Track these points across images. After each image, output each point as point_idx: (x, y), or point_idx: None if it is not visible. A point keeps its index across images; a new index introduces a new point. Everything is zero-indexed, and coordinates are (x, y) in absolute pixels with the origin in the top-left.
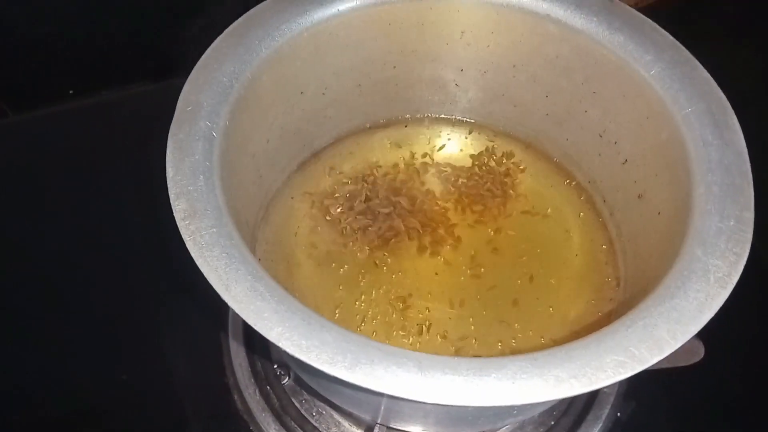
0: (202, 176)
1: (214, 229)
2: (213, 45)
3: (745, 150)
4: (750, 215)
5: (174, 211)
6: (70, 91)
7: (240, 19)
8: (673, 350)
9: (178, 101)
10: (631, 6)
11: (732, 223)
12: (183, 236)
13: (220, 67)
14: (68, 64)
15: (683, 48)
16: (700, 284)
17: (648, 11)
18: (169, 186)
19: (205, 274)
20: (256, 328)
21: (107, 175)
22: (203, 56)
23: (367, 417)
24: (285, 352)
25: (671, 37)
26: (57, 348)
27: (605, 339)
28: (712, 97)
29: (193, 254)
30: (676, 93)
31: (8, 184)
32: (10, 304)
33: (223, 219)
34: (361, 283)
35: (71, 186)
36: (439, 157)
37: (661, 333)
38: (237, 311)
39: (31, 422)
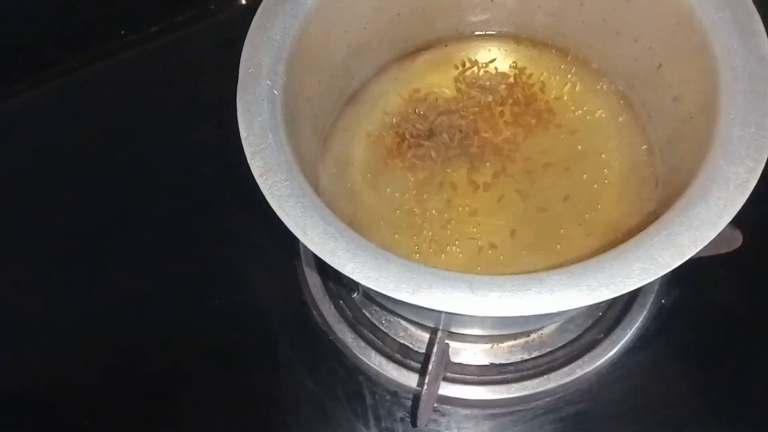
0: (270, 134)
1: (287, 182)
2: (262, 5)
3: None
4: None
5: (252, 168)
6: (122, 32)
7: None
8: (692, 254)
9: (240, 65)
10: None
11: (753, 130)
12: (262, 190)
13: (272, 25)
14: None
15: None
16: (720, 192)
17: None
18: (244, 146)
19: (285, 222)
20: (332, 264)
21: (180, 116)
22: (255, 17)
23: (430, 324)
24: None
25: None
26: (160, 279)
27: (632, 249)
28: (739, 4)
29: (272, 205)
30: (704, 1)
31: (89, 131)
32: (108, 236)
33: (293, 171)
34: (416, 205)
35: (147, 129)
36: (483, 72)
37: (683, 240)
38: (315, 252)
39: (140, 336)
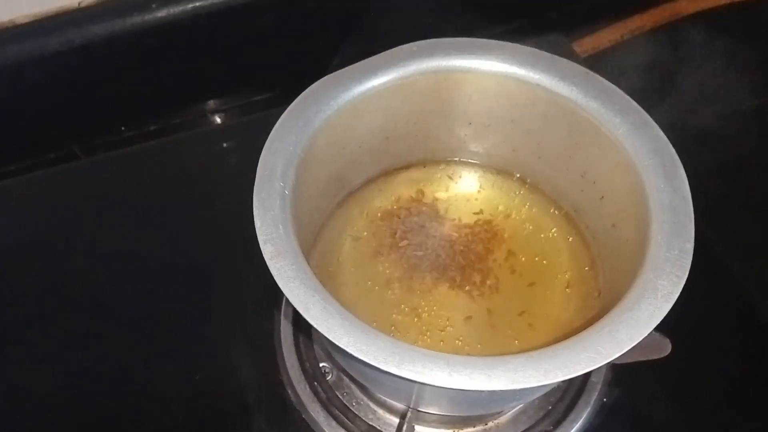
0: (281, 226)
1: (293, 266)
2: (280, 119)
3: (689, 195)
4: (690, 246)
5: (263, 252)
6: (122, 128)
7: (299, 98)
8: (629, 348)
9: (258, 166)
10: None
11: (676, 252)
12: (272, 271)
13: (286, 137)
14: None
15: (644, 112)
16: (650, 300)
17: None
18: (258, 234)
19: (290, 300)
20: (330, 338)
21: (170, 206)
22: (274, 129)
23: (400, 404)
24: (349, 354)
25: (635, 103)
26: (142, 350)
27: (581, 341)
28: (665, 153)
29: (280, 285)
30: (637, 149)
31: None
32: (90, 307)
33: (298, 257)
34: (392, 299)
35: (137, 216)
36: (452, 191)
37: (621, 336)
38: (315, 326)
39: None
